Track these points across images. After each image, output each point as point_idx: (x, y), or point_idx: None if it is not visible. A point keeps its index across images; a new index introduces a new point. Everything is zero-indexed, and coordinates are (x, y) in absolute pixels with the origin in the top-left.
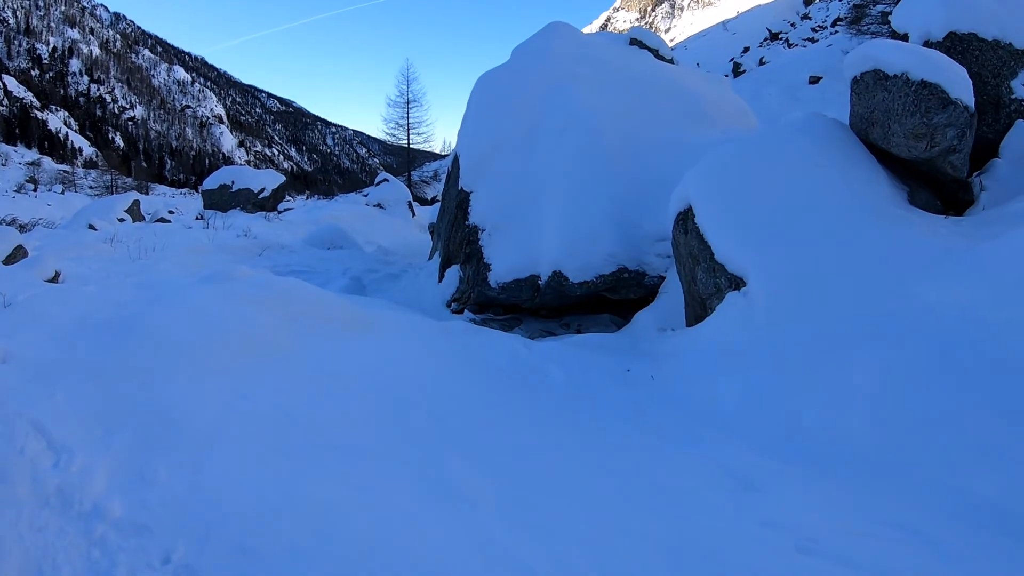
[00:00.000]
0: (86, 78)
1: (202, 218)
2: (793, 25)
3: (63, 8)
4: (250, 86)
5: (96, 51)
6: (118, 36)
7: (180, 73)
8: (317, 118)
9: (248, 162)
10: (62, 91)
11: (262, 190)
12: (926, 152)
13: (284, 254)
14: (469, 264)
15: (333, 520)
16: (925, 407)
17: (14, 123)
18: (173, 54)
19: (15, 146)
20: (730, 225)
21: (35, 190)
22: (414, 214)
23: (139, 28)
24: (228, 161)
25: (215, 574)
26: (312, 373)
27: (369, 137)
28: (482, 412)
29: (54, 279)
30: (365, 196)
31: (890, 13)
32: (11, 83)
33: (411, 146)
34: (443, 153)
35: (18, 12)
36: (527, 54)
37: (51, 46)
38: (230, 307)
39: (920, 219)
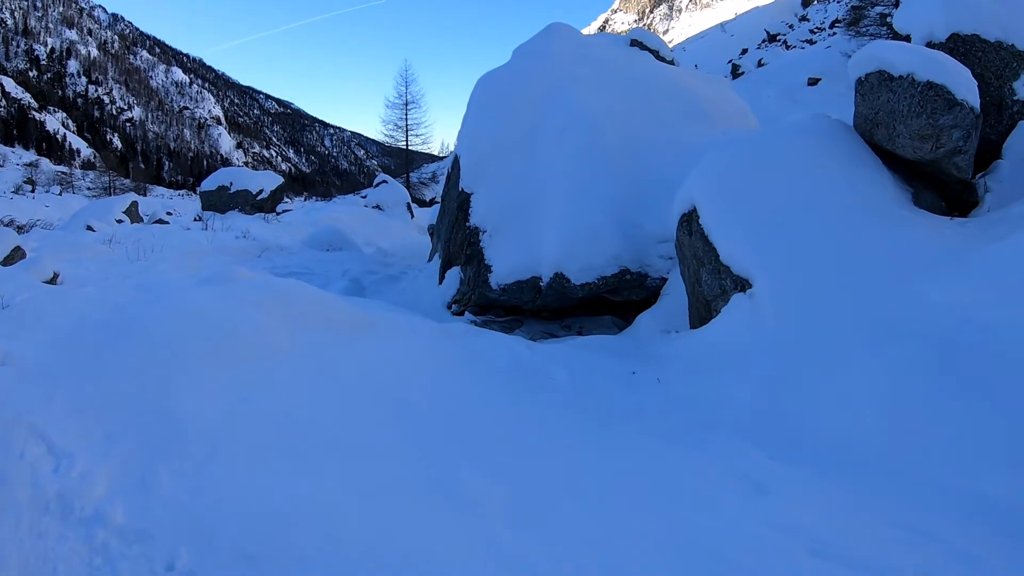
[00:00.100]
0: (84, 79)
1: (200, 219)
2: (791, 27)
3: (61, 9)
4: (248, 87)
5: (94, 52)
6: (116, 37)
7: (178, 74)
8: (315, 119)
9: (246, 163)
10: (60, 92)
11: (260, 191)
12: (931, 153)
13: (283, 256)
14: (470, 266)
15: (339, 525)
16: (933, 408)
17: (12, 124)
18: (171, 55)
19: (13, 147)
20: (735, 226)
21: (33, 191)
22: (413, 216)
23: (137, 29)
24: (226, 162)
25: None
26: (315, 375)
27: (367, 139)
28: (486, 414)
29: (52, 280)
30: (363, 198)
31: (888, 15)
32: (9, 84)
33: (409, 148)
34: (441, 155)
35: (16, 13)
36: (527, 55)
37: (49, 47)
38: (231, 309)
39: (925, 220)
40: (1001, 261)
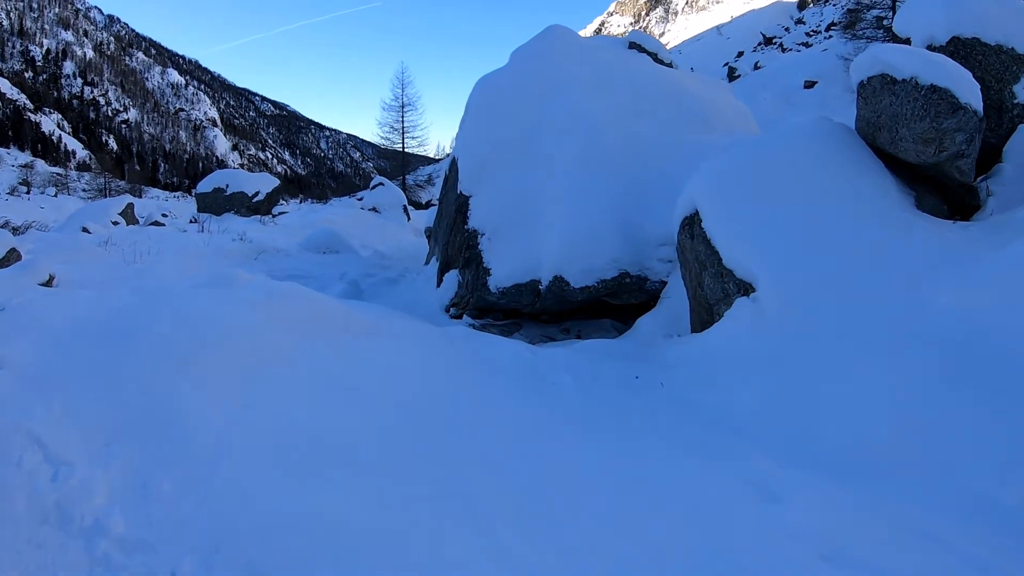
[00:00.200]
0: (80, 80)
1: (196, 221)
2: (787, 30)
3: (57, 10)
4: (244, 89)
5: (90, 53)
6: (112, 39)
7: (174, 76)
8: (311, 121)
9: (242, 165)
10: (55, 93)
11: (256, 194)
12: (934, 157)
13: (280, 258)
14: (468, 269)
15: (347, 537)
16: (942, 413)
17: (7, 125)
18: (167, 57)
19: (8, 148)
20: (738, 230)
21: (28, 193)
22: (409, 218)
23: (133, 31)
24: (222, 164)
25: None
26: (319, 381)
27: (363, 141)
28: (494, 421)
29: (48, 283)
30: (360, 200)
31: (884, 18)
32: (4, 85)
33: (406, 150)
34: (437, 157)
35: (11, 14)
36: (526, 57)
37: (45, 48)
38: (232, 313)
39: (929, 224)
40: (1008, 266)
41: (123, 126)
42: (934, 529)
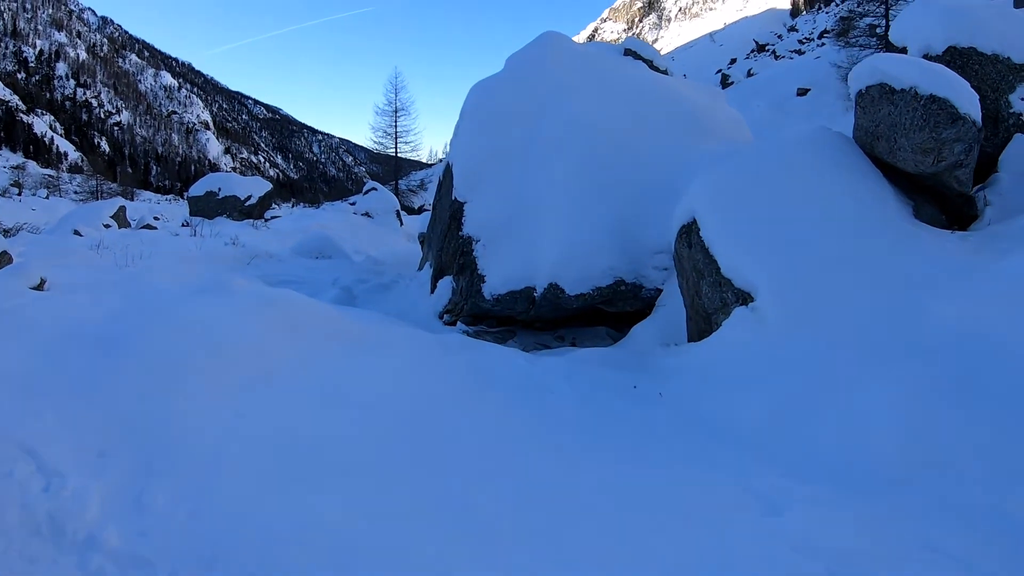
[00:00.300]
0: (72, 82)
1: (188, 225)
2: (780, 37)
3: (50, 11)
4: (237, 92)
5: (83, 55)
6: (105, 40)
7: (167, 78)
8: (304, 125)
9: (234, 169)
10: (48, 95)
11: (249, 197)
12: (933, 167)
13: (273, 263)
14: (462, 275)
15: (348, 550)
16: (948, 425)
17: None
18: (160, 59)
19: None
20: (737, 239)
21: (20, 194)
22: (402, 223)
23: (126, 33)
24: (214, 168)
25: None
26: (316, 390)
27: (356, 145)
28: (493, 433)
29: (40, 287)
30: (352, 205)
31: (877, 26)
32: None
33: (398, 155)
34: (430, 162)
35: (5, 14)
36: (522, 63)
37: (38, 49)
38: (226, 321)
39: (928, 234)
40: (1010, 277)
41: (115, 128)
42: (940, 541)
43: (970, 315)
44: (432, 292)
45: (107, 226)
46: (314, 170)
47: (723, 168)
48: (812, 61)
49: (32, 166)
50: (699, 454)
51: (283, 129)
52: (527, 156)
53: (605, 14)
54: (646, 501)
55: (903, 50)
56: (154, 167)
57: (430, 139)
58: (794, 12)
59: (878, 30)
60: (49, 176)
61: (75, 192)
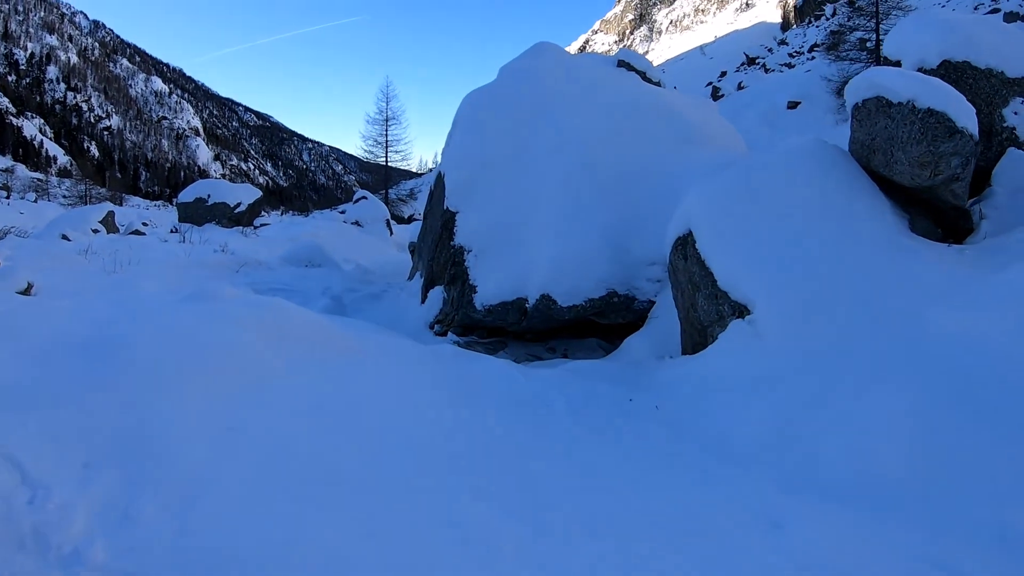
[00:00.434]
0: (63, 86)
1: (177, 231)
2: (770, 50)
3: (42, 14)
4: (227, 99)
5: (74, 59)
6: (96, 44)
7: (158, 84)
8: (294, 133)
9: (224, 176)
10: (38, 98)
11: (238, 204)
12: (929, 180)
13: (262, 271)
14: (454, 286)
15: (343, 567)
16: (951, 440)
17: None
18: (151, 64)
19: None
20: (733, 251)
21: (8, 198)
22: (392, 232)
23: (118, 37)
24: (203, 174)
25: None
26: (308, 401)
27: (345, 154)
28: (491, 447)
29: (27, 291)
30: (342, 213)
31: (868, 40)
32: None
33: (389, 164)
34: (420, 172)
35: None
36: (515, 74)
37: (29, 52)
38: (218, 329)
39: (924, 247)
40: (1009, 290)
41: (105, 133)
42: (944, 557)
43: (970, 328)
44: (423, 302)
45: (95, 231)
46: (304, 178)
47: (719, 180)
48: (803, 74)
49: (21, 169)
50: (698, 469)
51: (273, 136)
52: (520, 166)
53: (596, 26)
54: (647, 518)
55: (897, 63)
56: (143, 172)
57: (420, 149)
58: (784, 26)
59: (868, 44)
60: (38, 180)
61: (64, 196)
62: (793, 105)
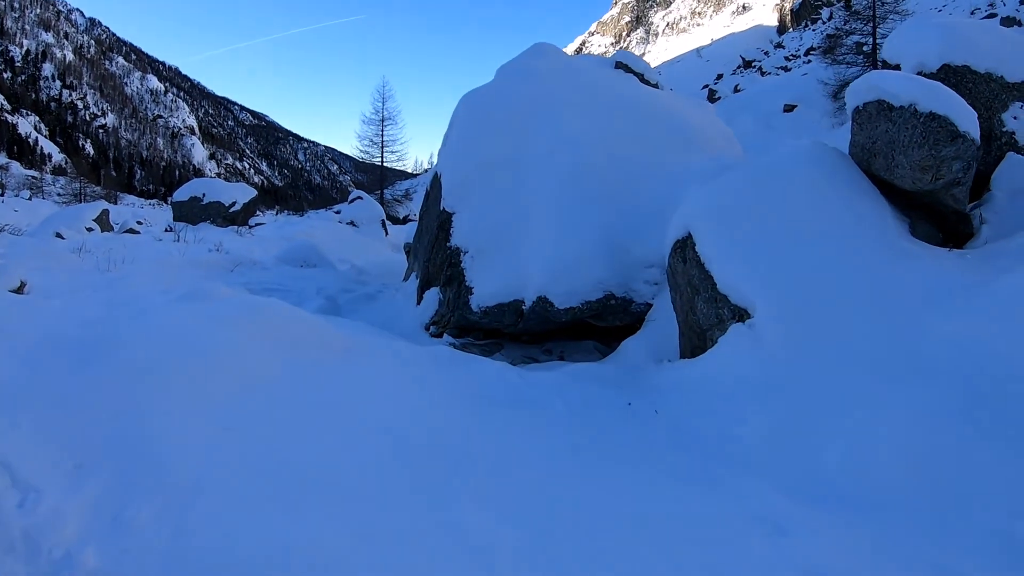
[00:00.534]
0: (58, 83)
1: (172, 230)
2: (766, 54)
3: (38, 11)
4: (223, 98)
5: (70, 56)
6: (92, 42)
7: (153, 82)
8: (289, 133)
9: (219, 175)
10: (33, 95)
11: (233, 204)
12: (930, 184)
13: (257, 271)
14: (450, 287)
15: (339, 572)
16: (953, 445)
17: None
18: (147, 63)
19: None
20: (733, 254)
21: (2, 195)
22: (387, 233)
23: (114, 35)
24: (198, 173)
25: None
26: (304, 403)
27: (341, 154)
28: (490, 451)
29: (19, 290)
30: (338, 213)
31: (864, 44)
32: None
33: (384, 164)
34: (415, 172)
35: None
36: (512, 74)
37: (24, 49)
38: (211, 330)
39: (925, 252)
40: (1012, 295)
41: (100, 131)
42: (950, 564)
43: (972, 333)
44: (418, 303)
45: (90, 229)
46: (299, 178)
47: (719, 182)
48: (799, 78)
49: (15, 167)
50: (699, 474)
51: (268, 136)
52: (517, 167)
53: (593, 28)
54: (648, 523)
55: (896, 67)
56: (138, 171)
57: (416, 149)
58: (781, 29)
59: (865, 48)
60: (32, 177)
61: (58, 194)
62: (789, 108)
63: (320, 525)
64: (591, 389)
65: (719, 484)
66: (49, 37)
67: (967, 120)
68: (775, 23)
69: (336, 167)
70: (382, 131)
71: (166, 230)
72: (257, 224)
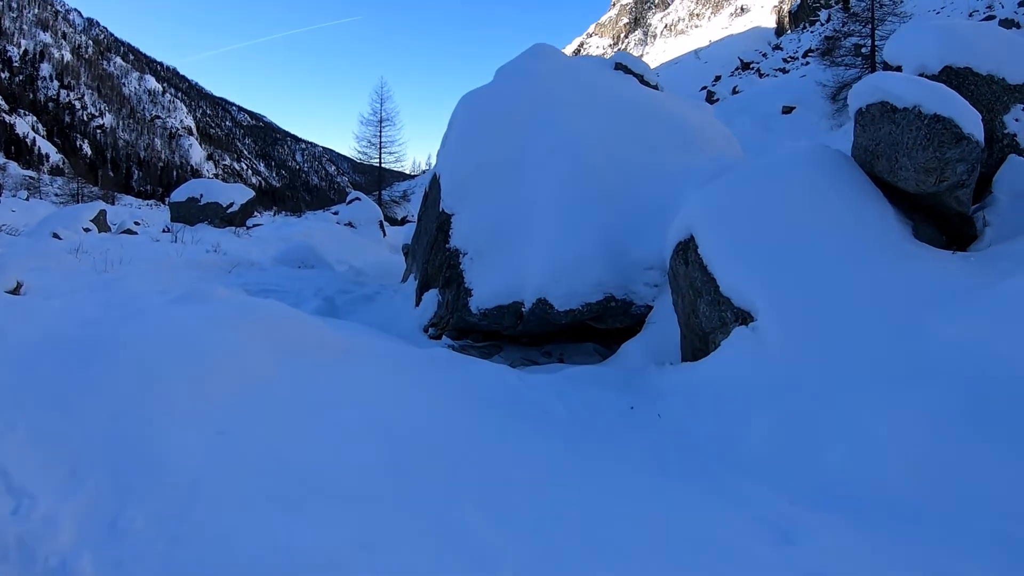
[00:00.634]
0: (56, 83)
1: (169, 231)
2: (764, 55)
3: (36, 11)
4: (221, 99)
5: (67, 56)
6: (90, 42)
7: (151, 83)
8: (287, 134)
9: (216, 175)
10: (31, 95)
11: (231, 204)
12: (934, 186)
13: (254, 272)
14: (449, 288)
15: None
16: (960, 450)
17: None
18: (145, 63)
19: None
20: (736, 257)
21: None
22: (385, 234)
23: (112, 35)
24: (196, 174)
25: None
26: (303, 408)
27: (339, 155)
28: (491, 455)
29: (16, 290)
30: (335, 214)
31: (862, 46)
32: None
33: (382, 166)
34: (413, 173)
35: None
36: (512, 75)
37: (22, 49)
38: (208, 332)
39: (928, 254)
40: (1016, 297)
41: (98, 131)
42: (955, 570)
43: (976, 336)
44: (417, 305)
45: (87, 230)
46: (297, 179)
47: (721, 184)
48: (797, 79)
49: (13, 167)
50: (703, 479)
51: (266, 137)
52: (517, 168)
53: (591, 29)
54: (652, 529)
55: (898, 68)
56: (136, 171)
57: (413, 150)
58: (779, 31)
59: (864, 50)
60: (30, 177)
61: (56, 194)
62: (788, 110)
63: (319, 529)
64: (592, 392)
65: (724, 489)
66: (47, 37)
67: (971, 122)
68: (773, 25)
69: (334, 168)
70: (380, 132)
71: (164, 231)
72: (255, 225)
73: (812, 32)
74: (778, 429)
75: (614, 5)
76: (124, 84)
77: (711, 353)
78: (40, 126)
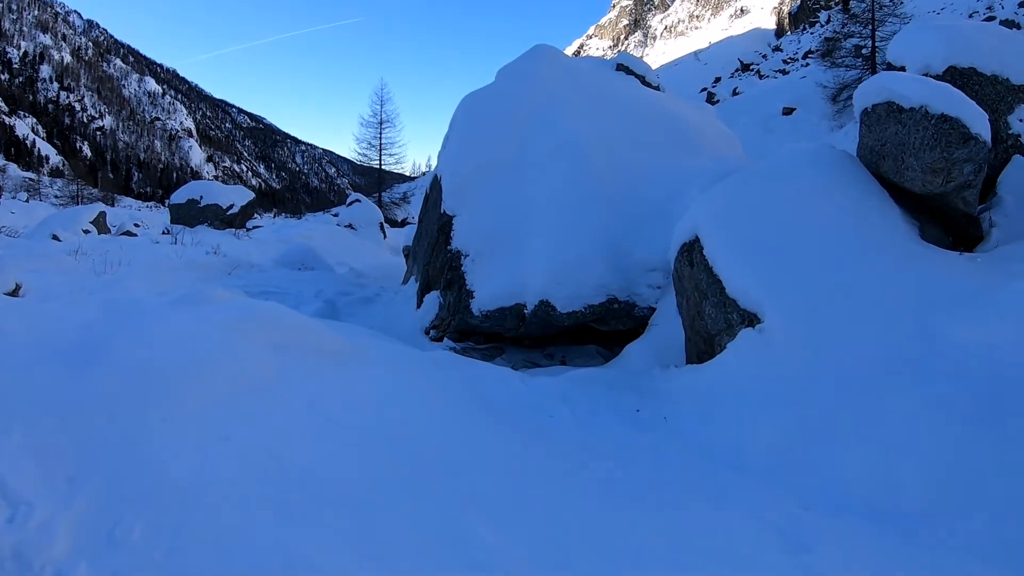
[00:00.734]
0: (56, 85)
1: (169, 233)
2: (765, 57)
3: (36, 13)
4: (221, 101)
5: (67, 58)
6: (90, 44)
7: (151, 84)
8: (287, 135)
9: (216, 177)
10: (31, 97)
11: (231, 206)
12: (941, 187)
13: (255, 274)
14: (450, 290)
15: None
16: (972, 454)
17: None
18: (145, 65)
19: None
20: (742, 258)
21: None
22: (385, 236)
23: (112, 37)
24: (196, 175)
25: None
26: (304, 413)
27: (339, 156)
28: (497, 461)
29: (14, 292)
30: (335, 216)
31: (863, 47)
32: None
33: (383, 167)
34: (413, 175)
35: None
36: (513, 76)
37: (22, 50)
38: (208, 334)
39: (935, 255)
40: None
41: (98, 133)
42: None
43: (987, 338)
44: (418, 307)
45: (86, 232)
46: (297, 180)
47: (726, 185)
48: (797, 80)
49: (13, 168)
50: (713, 484)
51: (266, 138)
52: (518, 169)
53: (591, 31)
54: (665, 537)
55: (901, 69)
56: (136, 173)
57: (414, 152)
58: (779, 32)
59: (864, 51)
60: (30, 179)
61: (55, 196)
62: (788, 111)
63: (321, 537)
64: (596, 395)
65: (734, 495)
66: (47, 39)
67: (978, 122)
68: (773, 26)
69: (334, 170)
70: (380, 134)
71: (163, 232)
72: (255, 227)
73: (812, 33)
74: (788, 433)
75: (614, 7)
76: (124, 86)
77: (717, 356)
78: (40, 128)
